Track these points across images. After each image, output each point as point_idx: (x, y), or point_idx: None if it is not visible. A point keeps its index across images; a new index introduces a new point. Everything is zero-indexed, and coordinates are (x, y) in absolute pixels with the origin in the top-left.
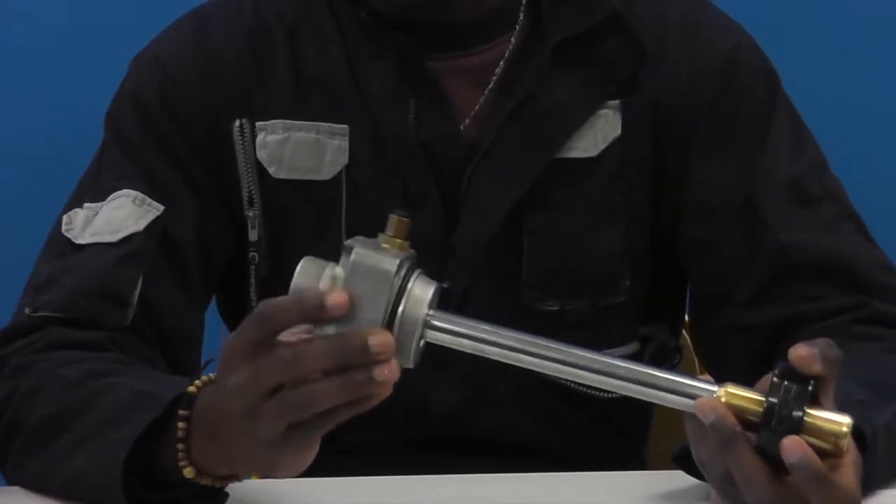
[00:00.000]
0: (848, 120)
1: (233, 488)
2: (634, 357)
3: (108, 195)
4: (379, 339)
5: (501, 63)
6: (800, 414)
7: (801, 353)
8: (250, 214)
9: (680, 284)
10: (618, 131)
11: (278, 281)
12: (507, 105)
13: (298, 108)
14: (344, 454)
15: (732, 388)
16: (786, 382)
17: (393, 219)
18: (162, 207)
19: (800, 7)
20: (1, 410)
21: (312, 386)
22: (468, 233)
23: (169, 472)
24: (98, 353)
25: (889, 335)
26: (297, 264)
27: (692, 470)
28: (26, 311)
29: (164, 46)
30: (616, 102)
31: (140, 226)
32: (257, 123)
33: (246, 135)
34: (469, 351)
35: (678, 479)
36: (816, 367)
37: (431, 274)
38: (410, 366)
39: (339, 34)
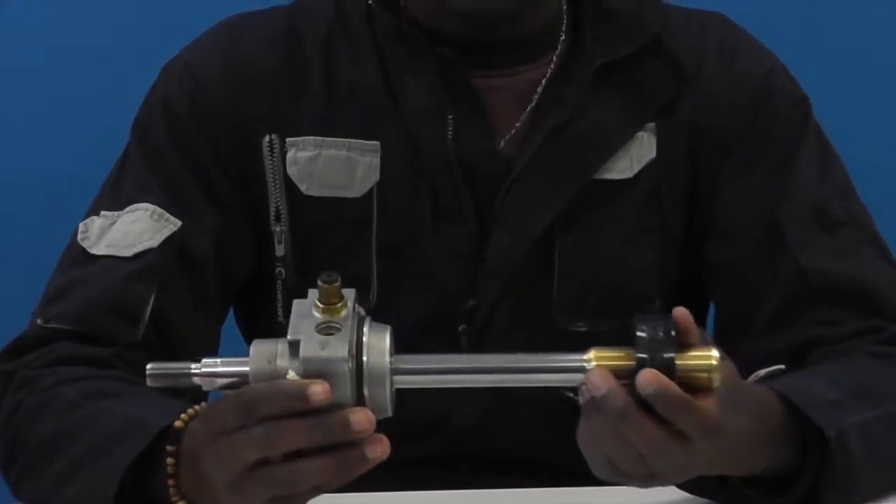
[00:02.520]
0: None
1: None
2: None
3: (127, 205)
4: (359, 418)
5: (543, 83)
6: (671, 355)
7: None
8: (277, 230)
9: (701, 306)
10: (653, 154)
11: (305, 296)
12: (546, 125)
13: (330, 123)
14: None
15: (600, 351)
16: (649, 332)
17: (322, 288)
18: (179, 223)
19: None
20: (5, 426)
21: (302, 465)
22: (500, 250)
23: (163, 502)
24: (101, 371)
25: None
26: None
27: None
28: (38, 321)
29: (195, 56)
30: (652, 125)
31: (155, 241)
32: (288, 139)
33: (275, 150)
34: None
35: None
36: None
37: (460, 290)
38: (390, 414)
39: (375, 47)
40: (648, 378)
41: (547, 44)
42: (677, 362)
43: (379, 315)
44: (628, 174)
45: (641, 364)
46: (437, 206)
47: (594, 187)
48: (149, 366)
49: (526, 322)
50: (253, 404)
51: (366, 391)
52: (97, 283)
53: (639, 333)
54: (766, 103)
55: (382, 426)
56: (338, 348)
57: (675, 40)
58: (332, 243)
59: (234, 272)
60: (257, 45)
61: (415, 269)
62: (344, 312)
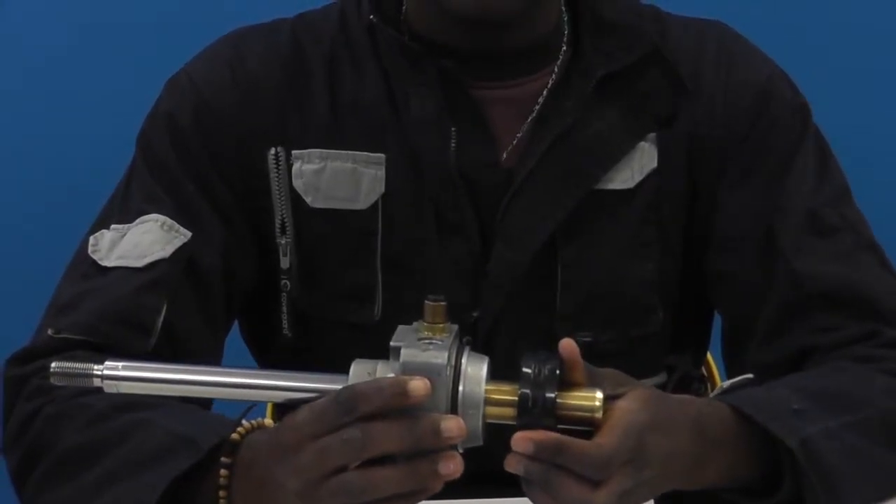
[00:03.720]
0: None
1: None
2: (660, 388)
3: (136, 217)
4: (451, 424)
5: (544, 94)
6: (552, 395)
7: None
8: (282, 242)
9: (703, 314)
10: (654, 164)
11: (310, 308)
12: (547, 136)
13: (335, 136)
14: None
15: (489, 385)
16: (534, 370)
17: (428, 305)
18: (189, 234)
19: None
20: (21, 432)
21: (375, 472)
22: (502, 262)
23: None
24: None
25: (890, 356)
26: (330, 291)
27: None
28: (49, 331)
29: (199, 70)
30: (652, 135)
31: (167, 252)
32: (293, 152)
33: (281, 163)
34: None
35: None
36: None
37: (463, 302)
38: (481, 443)
39: (377, 60)
40: (520, 442)
41: (547, 55)
42: (559, 401)
43: (384, 328)
44: (630, 184)
45: (524, 400)
46: (440, 219)
47: (595, 198)
48: (53, 364)
49: (529, 333)
50: (354, 400)
51: (460, 415)
52: (109, 294)
53: (524, 370)
54: (764, 112)
55: None
56: (437, 355)
57: (674, 50)
58: (337, 255)
59: (239, 284)
60: (261, 58)
61: (419, 282)
62: (446, 334)
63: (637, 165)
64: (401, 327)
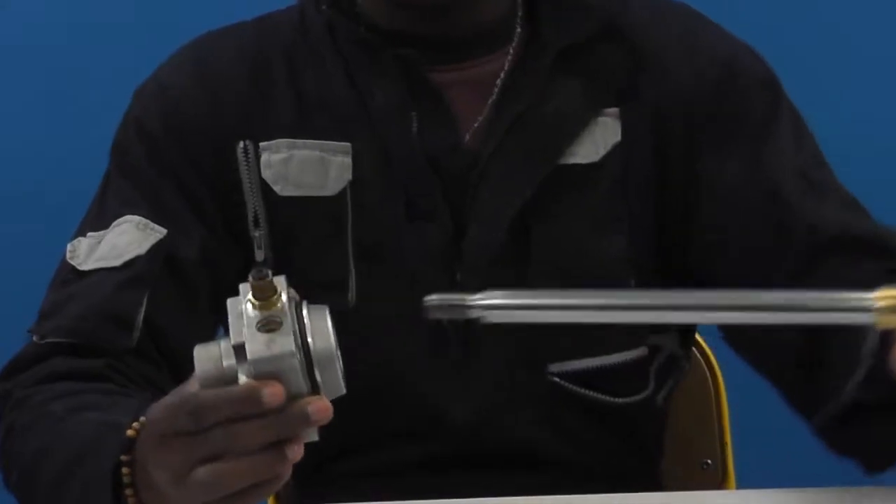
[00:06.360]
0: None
1: None
2: (642, 365)
3: (112, 222)
4: (318, 407)
5: (502, 74)
6: None
7: None
8: (256, 235)
9: None
10: (618, 137)
11: None
12: (509, 115)
13: (301, 130)
14: (357, 476)
15: (888, 290)
16: None
17: (255, 285)
18: (165, 231)
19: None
20: (4, 446)
21: (222, 467)
22: (475, 243)
23: None
24: (90, 385)
25: None
26: (303, 282)
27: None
28: (34, 338)
29: (165, 74)
30: (615, 110)
31: (143, 249)
32: (261, 144)
33: (250, 155)
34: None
35: (695, 500)
36: None
37: (439, 287)
38: (344, 392)
39: (338, 56)
40: None
41: (504, 35)
42: None
43: (359, 314)
44: (594, 158)
45: None
46: (411, 205)
47: (562, 173)
48: (430, 298)
49: None
50: (200, 412)
51: (318, 375)
52: (89, 294)
53: None
54: (733, 85)
55: (382, 429)
56: (284, 343)
57: (636, 25)
58: (308, 244)
59: (223, 279)
60: (226, 59)
61: (392, 268)
62: (280, 304)
63: (601, 139)
64: (230, 306)
